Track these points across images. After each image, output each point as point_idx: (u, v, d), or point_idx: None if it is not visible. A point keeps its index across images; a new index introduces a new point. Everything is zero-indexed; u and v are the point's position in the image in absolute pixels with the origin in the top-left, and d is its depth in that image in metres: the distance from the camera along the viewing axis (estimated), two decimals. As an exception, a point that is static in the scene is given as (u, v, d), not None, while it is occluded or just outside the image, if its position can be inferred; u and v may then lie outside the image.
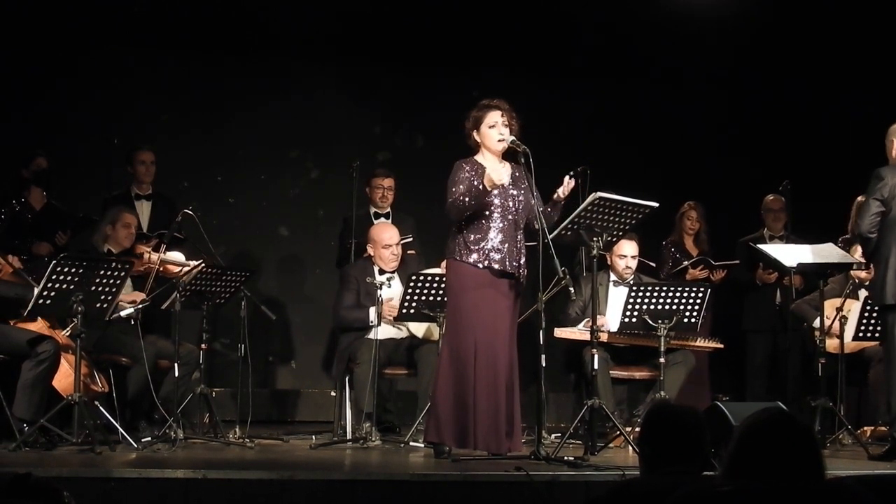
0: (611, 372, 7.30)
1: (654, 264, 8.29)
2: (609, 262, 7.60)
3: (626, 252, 7.53)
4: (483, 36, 9.38)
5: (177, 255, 7.01)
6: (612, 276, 7.60)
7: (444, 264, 6.50)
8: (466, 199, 5.96)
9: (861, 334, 7.39)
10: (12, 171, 7.89)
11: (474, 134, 6.17)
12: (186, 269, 6.81)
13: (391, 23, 9.29)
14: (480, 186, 5.93)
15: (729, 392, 8.82)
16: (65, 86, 8.85)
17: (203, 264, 6.85)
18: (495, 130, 6.11)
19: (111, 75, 8.96)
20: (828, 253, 7.29)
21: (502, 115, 6.12)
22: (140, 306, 6.81)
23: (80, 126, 8.85)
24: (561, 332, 7.24)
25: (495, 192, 6.04)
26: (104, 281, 6.29)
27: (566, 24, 9.48)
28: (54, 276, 6.15)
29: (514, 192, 6.16)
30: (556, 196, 6.10)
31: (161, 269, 6.90)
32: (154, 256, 6.91)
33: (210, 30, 9.03)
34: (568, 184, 6.10)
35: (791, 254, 7.40)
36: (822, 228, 8.14)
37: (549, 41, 9.48)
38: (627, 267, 7.55)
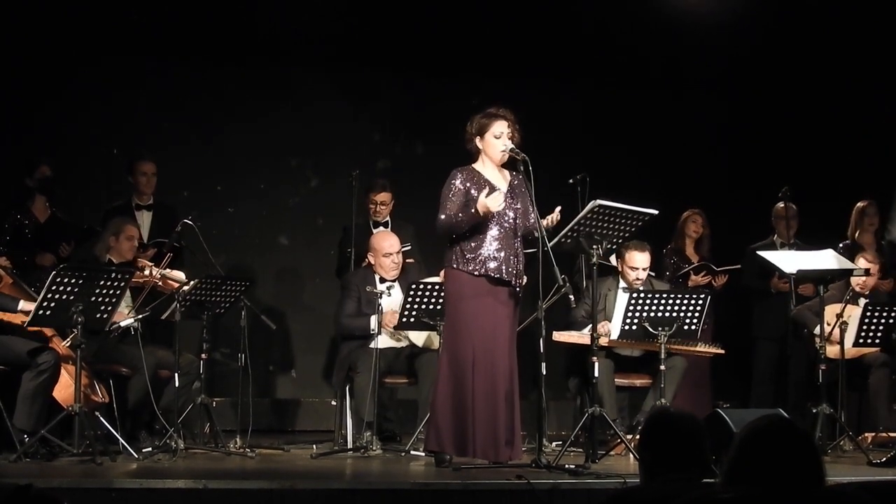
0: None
1: (653, 273, 8.28)
2: (620, 270, 7.60)
3: (638, 264, 7.52)
4: (482, 43, 9.39)
5: (179, 274, 7.01)
6: (622, 283, 7.61)
7: (443, 273, 6.51)
8: (458, 220, 5.97)
9: (861, 340, 7.38)
10: (14, 181, 7.89)
11: (476, 140, 6.17)
12: (185, 287, 6.83)
13: (390, 30, 9.30)
14: (473, 210, 5.93)
15: (733, 398, 8.82)
16: (64, 96, 8.86)
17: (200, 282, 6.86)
18: (500, 141, 6.11)
19: (110, 85, 8.96)
20: (827, 259, 7.30)
21: (508, 126, 6.12)
22: (140, 317, 6.82)
23: (80, 136, 8.86)
24: (559, 336, 7.24)
25: (502, 204, 6.03)
26: (104, 291, 6.29)
27: (566, 32, 9.49)
28: (54, 287, 6.16)
29: (512, 201, 6.16)
30: (544, 223, 6.02)
31: (160, 283, 6.91)
32: (155, 271, 6.92)
33: (209, 38, 9.04)
34: (556, 215, 6.07)
35: (791, 260, 7.42)
36: (823, 234, 8.16)
37: (549, 48, 9.49)
38: (637, 278, 7.55)
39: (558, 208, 6.12)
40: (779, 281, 8.53)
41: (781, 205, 8.66)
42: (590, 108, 9.73)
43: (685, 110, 9.77)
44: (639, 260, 7.51)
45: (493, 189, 6.05)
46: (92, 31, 8.79)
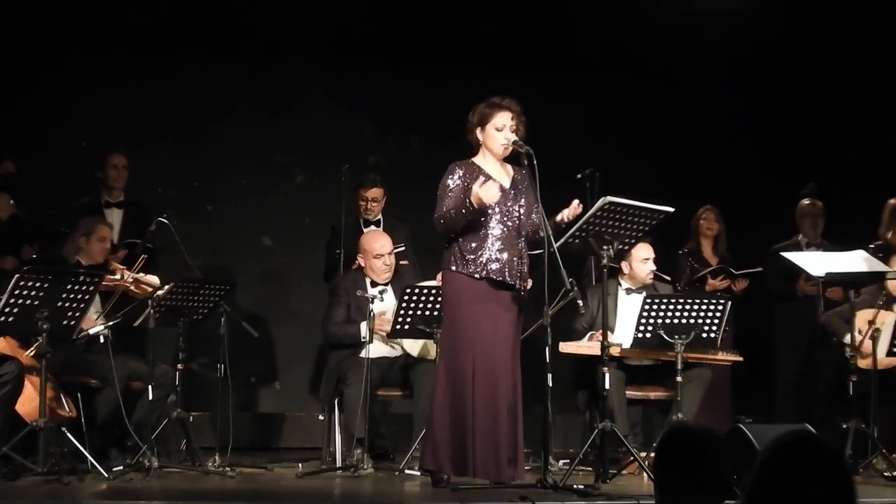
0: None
1: (669, 277, 8.27)
2: (627, 271, 7.58)
3: (649, 255, 7.53)
4: (482, 33, 9.41)
5: (152, 279, 7.01)
6: (625, 284, 7.59)
7: (440, 276, 6.49)
8: (453, 214, 5.95)
9: (896, 349, 7.38)
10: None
11: (477, 131, 6.15)
12: (159, 291, 6.82)
13: (382, 18, 9.31)
14: (468, 203, 5.91)
15: (755, 412, 8.81)
16: (30, 87, 8.85)
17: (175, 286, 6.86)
18: (502, 134, 6.09)
19: (79, 75, 8.95)
20: (858, 261, 7.29)
21: (512, 118, 6.10)
22: (111, 324, 6.80)
23: (46, 129, 8.85)
24: (566, 347, 7.23)
25: (497, 194, 6.02)
26: (71, 296, 6.28)
27: (571, 22, 9.50)
28: (17, 291, 6.14)
29: (516, 197, 6.15)
30: (559, 218, 6.06)
31: (133, 288, 6.90)
32: (127, 275, 6.91)
33: (186, 26, 9.04)
34: (574, 208, 6.07)
35: (818, 262, 7.40)
36: (851, 234, 8.15)
37: (554, 39, 9.50)
38: (651, 271, 7.55)
39: (576, 201, 6.10)
40: (805, 283, 8.51)
41: (807, 202, 8.65)
42: (598, 100, 9.73)
43: (700, 103, 9.78)
44: (646, 251, 7.51)
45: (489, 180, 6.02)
46: (62, 23, 8.79)
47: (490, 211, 6.05)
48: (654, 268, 7.58)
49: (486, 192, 5.87)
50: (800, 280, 8.48)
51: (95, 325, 6.83)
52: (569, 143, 9.02)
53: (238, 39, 9.23)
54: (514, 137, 6.08)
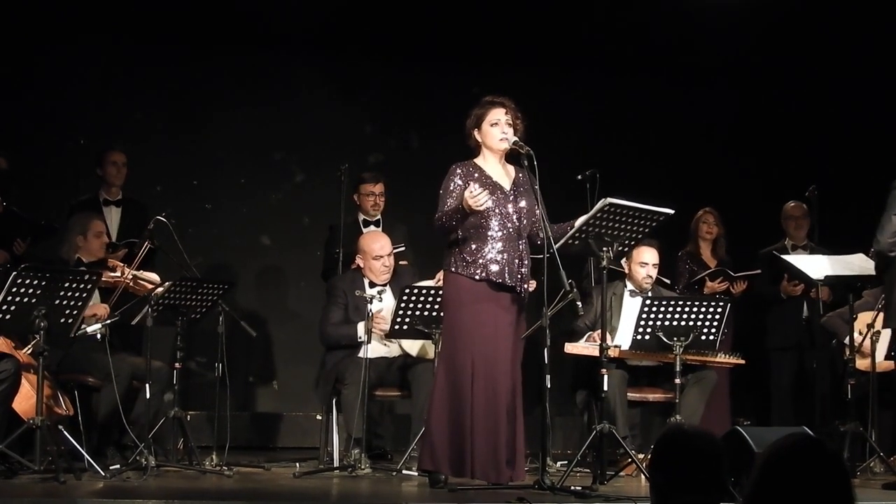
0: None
1: (668, 280, 8.26)
2: (627, 271, 7.58)
3: (647, 259, 7.51)
4: (483, 28, 9.39)
5: (152, 276, 7.01)
6: (630, 286, 7.58)
7: (439, 276, 6.49)
8: (448, 217, 5.95)
9: (895, 353, 7.36)
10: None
11: (475, 133, 6.15)
12: (159, 289, 6.81)
13: (383, 13, 9.29)
14: (460, 207, 5.88)
15: (751, 416, 8.81)
16: (27, 82, 8.85)
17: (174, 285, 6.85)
18: (497, 129, 6.09)
19: (77, 71, 8.95)
20: (858, 265, 7.28)
21: (506, 113, 6.10)
22: (108, 322, 6.79)
23: (43, 126, 8.85)
24: (572, 348, 7.22)
25: (490, 202, 6.00)
26: (69, 294, 6.27)
27: (573, 17, 9.49)
28: (14, 289, 6.13)
29: (517, 199, 6.14)
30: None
31: (132, 285, 6.90)
32: (127, 271, 6.90)
33: (186, 22, 9.03)
34: None
35: (818, 265, 7.40)
36: (851, 238, 8.14)
37: (556, 35, 9.49)
38: (648, 276, 7.53)
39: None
40: (788, 285, 8.57)
41: (791, 204, 8.69)
42: (599, 99, 9.73)
43: (702, 102, 9.77)
44: (647, 255, 7.49)
45: (485, 184, 5.99)
46: (57, 13, 8.77)
47: (490, 212, 6.04)
48: (651, 273, 7.55)
49: (473, 202, 5.83)
50: (783, 282, 8.53)
51: (93, 323, 6.81)
52: (569, 143, 9.02)
53: (238, 37, 9.22)
54: (513, 136, 6.08)
